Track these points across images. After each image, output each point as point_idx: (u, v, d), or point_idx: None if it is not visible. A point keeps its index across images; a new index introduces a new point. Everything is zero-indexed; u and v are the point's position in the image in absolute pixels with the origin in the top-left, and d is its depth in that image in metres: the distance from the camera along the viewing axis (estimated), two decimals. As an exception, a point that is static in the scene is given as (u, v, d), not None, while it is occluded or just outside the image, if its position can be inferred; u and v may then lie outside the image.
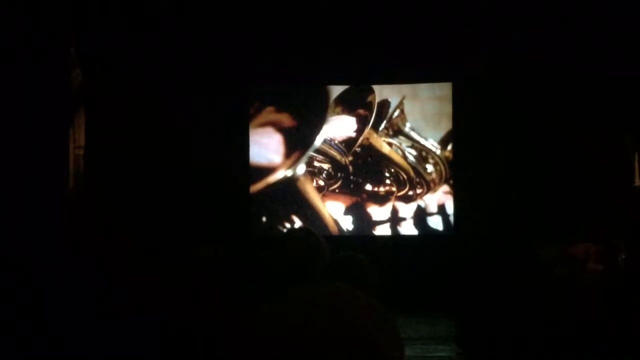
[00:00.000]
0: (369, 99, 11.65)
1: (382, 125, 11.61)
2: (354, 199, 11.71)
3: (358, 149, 11.67)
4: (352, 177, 11.70)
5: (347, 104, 11.70)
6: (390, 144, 11.65)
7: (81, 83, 9.88)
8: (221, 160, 11.28)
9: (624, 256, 6.45)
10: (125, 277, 1.83)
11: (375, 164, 11.67)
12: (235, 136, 11.59)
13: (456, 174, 11.51)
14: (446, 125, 11.56)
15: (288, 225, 11.68)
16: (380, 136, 11.64)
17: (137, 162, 10.62)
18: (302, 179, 11.70)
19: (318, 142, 11.63)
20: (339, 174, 11.69)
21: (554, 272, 5.16)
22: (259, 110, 11.77)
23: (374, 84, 11.63)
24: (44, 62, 8.35)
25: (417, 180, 11.59)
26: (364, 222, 11.69)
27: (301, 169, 11.67)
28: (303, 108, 11.66)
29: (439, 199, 11.59)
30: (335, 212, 11.69)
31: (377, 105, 11.62)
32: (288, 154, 11.70)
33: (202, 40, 10.90)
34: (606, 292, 4.50)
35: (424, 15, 10.66)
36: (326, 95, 11.65)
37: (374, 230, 11.69)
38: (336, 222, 11.67)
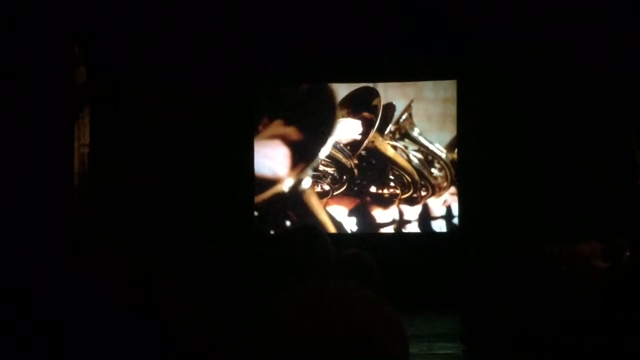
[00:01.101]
0: (375, 102, 11.62)
1: (389, 129, 11.58)
2: (358, 201, 11.69)
3: (363, 152, 11.64)
4: (357, 180, 11.67)
5: (352, 107, 11.66)
6: (394, 147, 11.62)
7: (86, 81, 9.90)
8: (225, 161, 11.28)
9: (628, 254, 6.44)
10: (127, 277, 1.82)
11: (380, 166, 11.64)
12: (240, 136, 11.56)
13: (461, 174, 11.49)
14: (451, 127, 11.53)
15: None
16: (385, 139, 11.61)
17: (141, 161, 10.63)
18: (307, 185, 11.66)
19: (324, 153, 11.57)
20: (344, 177, 11.67)
21: (559, 269, 5.14)
22: (266, 123, 11.72)
23: (378, 82, 11.59)
24: (49, 60, 8.36)
25: (422, 183, 11.57)
26: (368, 224, 11.68)
27: (307, 180, 11.62)
28: (309, 116, 11.60)
29: (445, 201, 11.57)
30: (339, 214, 11.66)
31: (383, 109, 11.59)
32: (294, 164, 11.64)
33: (205, 39, 10.89)
34: (611, 290, 4.48)
35: (426, 14, 10.64)
36: (333, 104, 11.59)
37: (378, 232, 11.67)
38: (340, 224, 11.64)
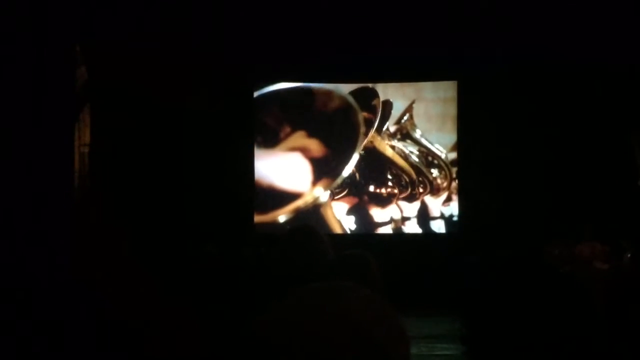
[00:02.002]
0: (374, 102, 11.64)
1: (389, 129, 11.59)
2: (357, 200, 11.70)
3: (362, 152, 11.65)
4: (356, 181, 11.68)
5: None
6: (393, 147, 11.64)
7: (86, 81, 9.89)
8: (227, 160, 11.28)
9: (629, 255, 6.44)
10: (127, 277, 1.82)
11: (379, 166, 11.65)
12: (240, 138, 11.56)
13: (461, 175, 11.49)
14: (451, 128, 11.54)
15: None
16: (384, 139, 11.62)
17: (142, 160, 10.63)
18: (325, 198, 11.66)
19: (347, 171, 11.60)
20: (347, 183, 11.69)
21: (560, 271, 5.15)
22: (288, 132, 11.72)
23: (378, 82, 11.59)
24: (49, 59, 8.35)
25: (420, 180, 11.58)
26: (367, 223, 11.68)
27: (326, 193, 11.63)
28: (333, 130, 11.61)
29: (444, 201, 11.58)
30: (338, 214, 11.67)
31: (381, 109, 11.60)
32: (316, 179, 11.66)
33: (205, 39, 10.87)
34: (612, 291, 4.48)
35: (428, 14, 10.62)
36: (357, 119, 11.58)
37: (377, 231, 11.68)
38: (339, 224, 11.65)
